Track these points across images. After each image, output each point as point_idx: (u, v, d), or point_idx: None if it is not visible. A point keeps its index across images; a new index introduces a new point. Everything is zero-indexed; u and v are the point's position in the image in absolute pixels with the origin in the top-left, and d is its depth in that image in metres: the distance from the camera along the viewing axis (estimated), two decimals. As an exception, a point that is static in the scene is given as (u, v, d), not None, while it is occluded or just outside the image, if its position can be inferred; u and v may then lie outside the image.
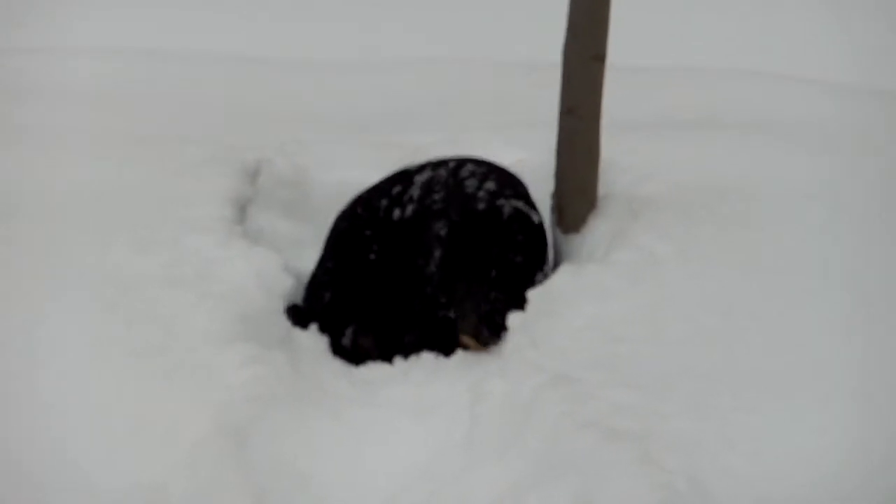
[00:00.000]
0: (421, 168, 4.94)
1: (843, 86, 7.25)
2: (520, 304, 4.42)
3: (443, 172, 4.85)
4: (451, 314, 4.54)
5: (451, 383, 4.24)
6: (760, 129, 5.87)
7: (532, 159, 5.37)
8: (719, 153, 5.39)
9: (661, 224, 4.59)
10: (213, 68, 7.34)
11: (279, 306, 4.56)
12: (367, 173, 5.08)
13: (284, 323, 4.56)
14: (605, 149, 4.82)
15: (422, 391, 4.25)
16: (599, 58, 4.71)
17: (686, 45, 8.76)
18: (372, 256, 4.83)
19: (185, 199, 4.83)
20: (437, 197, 4.75)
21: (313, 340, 4.62)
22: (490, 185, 4.72)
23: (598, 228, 4.74)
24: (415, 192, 4.83)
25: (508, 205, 4.63)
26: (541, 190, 4.91)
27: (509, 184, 4.77)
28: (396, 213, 4.82)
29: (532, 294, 4.41)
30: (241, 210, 5.07)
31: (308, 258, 5.14)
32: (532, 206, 4.73)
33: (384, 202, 4.87)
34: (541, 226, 4.69)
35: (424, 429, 4.03)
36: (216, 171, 5.11)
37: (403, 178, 4.93)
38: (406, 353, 4.60)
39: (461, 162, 4.88)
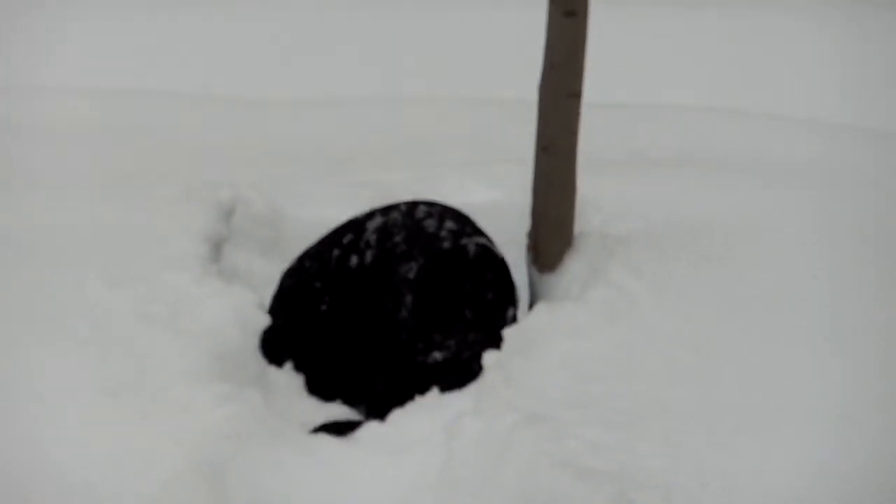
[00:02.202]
0: (370, 215, 4.87)
1: (819, 123, 7.29)
2: (496, 342, 4.42)
3: (397, 215, 4.79)
4: (429, 360, 4.49)
5: (426, 421, 4.23)
6: (735, 166, 5.90)
7: (507, 197, 5.38)
8: (693, 191, 5.40)
9: (636, 262, 4.60)
10: (188, 107, 7.34)
11: (255, 344, 4.54)
12: (342, 211, 5.07)
13: (260, 361, 4.55)
14: (580, 186, 4.83)
15: (397, 429, 4.24)
16: (575, 95, 4.72)
17: (661, 83, 8.78)
18: (323, 307, 4.70)
19: (160, 236, 4.81)
20: (398, 239, 4.68)
21: (288, 378, 4.61)
22: (450, 223, 4.71)
23: (574, 266, 4.74)
24: (371, 237, 4.74)
25: (472, 242, 4.65)
26: (515, 228, 4.92)
27: (467, 222, 4.77)
28: (353, 260, 4.72)
29: (508, 332, 4.41)
30: (216, 248, 5.05)
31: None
32: (491, 241, 4.74)
33: (336, 252, 4.77)
34: (504, 261, 4.72)
35: (400, 466, 4.01)
36: (191, 209, 5.09)
37: (352, 226, 4.85)
38: (381, 403, 4.55)
39: (412, 204, 4.84)
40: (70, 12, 9.84)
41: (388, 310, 4.58)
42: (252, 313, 4.56)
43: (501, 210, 5.04)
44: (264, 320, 4.61)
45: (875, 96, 8.53)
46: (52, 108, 6.99)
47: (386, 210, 4.85)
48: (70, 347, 4.12)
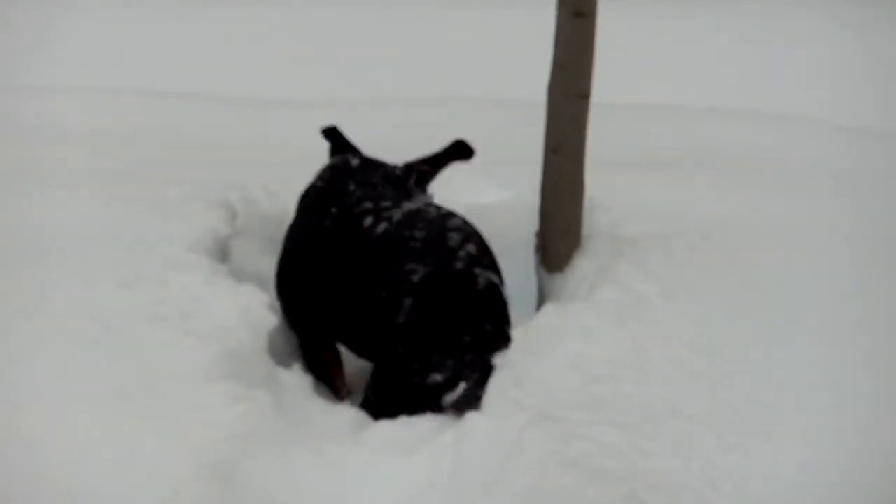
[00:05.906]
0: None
1: (831, 125, 7.29)
2: (489, 371, 4.34)
3: (431, 211, 4.75)
4: (429, 381, 4.40)
5: (435, 421, 4.23)
6: (744, 167, 5.90)
7: (516, 197, 5.38)
8: (702, 192, 5.41)
9: (645, 263, 4.60)
10: (198, 108, 7.35)
11: (264, 345, 4.54)
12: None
13: (269, 361, 4.54)
14: (589, 187, 4.83)
15: (406, 429, 4.24)
16: (584, 96, 4.72)
17: (670, 83, 8.79)
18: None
19: (170, 237, 4.81)
20: (417, 234, 4.62)
21: (298, 379, 4.60)
22: (471, 247, 4.58)
23: (582, 267, 4.75)
24: (396, 214, 4.73)
25: (483, 275, 4.53)
26: (524, 228, 4.92)
27: (487, 252, 4.65)
28: (368, 221, 4.76)
29: (517, 333, 4.40)
30: (226, 248, 5.06)
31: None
32: (502, 280, 4.64)
33: (368, 205, 4.84)
34: (507, 303, 4.60)
35: (409, 467, 4.01)
36: (200, 209, 5.10)
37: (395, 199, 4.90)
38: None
39: (449, 212, 4.76)
40: (70, 12, 9.86)
41: (382, 299, 4.56)
42: (261, 313, 4.55)
43: (510, 210, 5.04)
44: (273, 320, 4.61)
45: (888, 97, 8.53)
46: (61, 109, 7.01)
47: (428, 204, 4.88)
48: (79, 349, 4.12)
